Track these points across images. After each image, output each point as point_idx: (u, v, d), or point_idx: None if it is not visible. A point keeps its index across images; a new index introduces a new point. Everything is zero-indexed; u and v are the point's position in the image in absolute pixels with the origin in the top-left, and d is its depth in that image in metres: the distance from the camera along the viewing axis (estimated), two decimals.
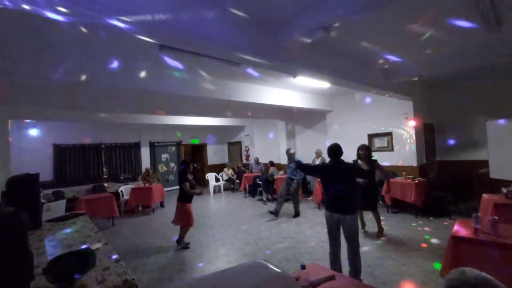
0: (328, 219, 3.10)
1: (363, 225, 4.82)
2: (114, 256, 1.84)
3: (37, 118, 6.78)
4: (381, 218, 5.55)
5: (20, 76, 3.43)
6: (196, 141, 12.01)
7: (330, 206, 3.08)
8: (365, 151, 4.44)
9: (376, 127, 7.00)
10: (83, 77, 3.69)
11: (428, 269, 3.30)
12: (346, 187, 3.00)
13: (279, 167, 9.07)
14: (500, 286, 0.83)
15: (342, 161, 3.19)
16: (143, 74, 4.29)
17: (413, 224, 5.11)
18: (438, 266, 3.22)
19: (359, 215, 4.49)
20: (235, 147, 12.54)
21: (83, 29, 2.85)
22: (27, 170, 3.06)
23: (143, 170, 9.11)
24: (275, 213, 6.13)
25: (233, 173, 10.58)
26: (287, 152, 5.65)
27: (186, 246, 4.56)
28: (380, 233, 4.56)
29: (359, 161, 4.47)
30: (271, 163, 8.70)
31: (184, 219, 4.52)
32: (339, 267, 3.05)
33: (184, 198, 4.52)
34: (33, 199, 2.63)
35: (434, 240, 4.23)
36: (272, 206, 7.45)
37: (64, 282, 1.42)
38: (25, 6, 1.85)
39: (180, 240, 4.60)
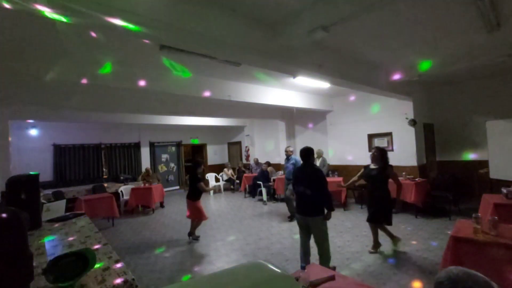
0: (298, 221, 3.33)
1: (378, 245, 3.94)
2: (114, 257, 1.84)
3: (37, 118, 6.78)
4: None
5: (20, 76, 3.43)
6: (196, 141, 12.01)
7: (299, 209, 3.24)
8: (375, 154, 3.83)
9: (376, 127, 7.00)
10: (83, 78, 3.70)
11: (428, 269, 3.30)
12: (313, 190, 3.12)
13: (279, 167, 9.07)
14: (480, 278, 0.85)
15: (312, 165, 3.31)
16: (143, 74, 4.29)
17: (413, 224, 5.11)
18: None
19: (372, 231, 3.94)
20: (235, 147, 12.54)
21: (83, 30, 2.85)
22: (27, 170, 3.07)
23: (143, 170, 9.11)
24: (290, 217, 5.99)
25: (233, 173, 10.58)
26: (286, 150, 5.69)
27: (196, 238, 4.92)
28: (395, 243, 3.91)
29: (372, 165, 3.88)
30: (268, 164, 8.71)
31: (195, 215, 4.88)
32: (308, 261, 3.24)
33: (194, 196, 4.84)
34: (33, 199, 2.62)
35: (434, 240, 4.22)
36: (271, 206, 7.46)
37: (64, 282, 1.42)
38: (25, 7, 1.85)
39: (191, 232, 4.97)
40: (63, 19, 2.01)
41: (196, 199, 4.84)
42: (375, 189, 3.83)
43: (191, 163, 5.08)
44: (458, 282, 0.85)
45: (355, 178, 4.12)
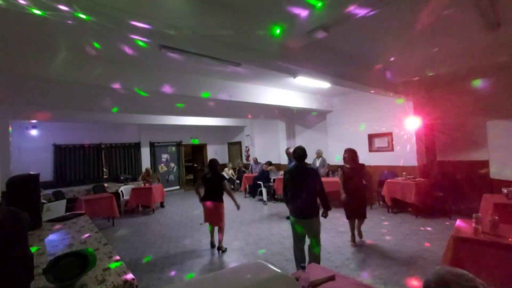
0: (292, 224, 3.24)
1: (354, 237, 4.31)
2: (114, 256, 1.84)
3: (37, 118, 6.78)
4: (382, 218, 5.54)
5: (20, 76, 3.43)
6: (196, 141, 12.01)
7: (294, 212, 3.17)
8: (348, 154, 4.23)
9: (376, 127, 7.00)
10: (83, 78, 3.70)
11: (428, 270, 3.30)
12: (308, 190, 3.07)
13: (279, 167, 9.07)
14: (464, 277, 0.85)
15: (305, 165, 3.25)
16: (142, 74, 4.29)
17: (413, 224, 5.10)
18: None
19: (350, 226, 4.31)
20: (235, 147, 12.55)
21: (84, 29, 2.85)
22: (27, 170, 3.07)
23: (143, 170, 9.11)
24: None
25: (233, 173, 10.58)
26: (287, 151, 5.69)
27: (224, 250, 4.28)
28: (360, 236, 4.38)
29: (347, 165, 4.24)
30: (269, 163, 8.71)
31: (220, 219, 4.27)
32: (303, 261, 3.20)
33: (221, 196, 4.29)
34: (33, 199, 2.62)
35: (434, 241, 4.22)
36: (271, 206, 7.46)
37: (64, 282, 1.42)
38: (24, 4, 1.85)
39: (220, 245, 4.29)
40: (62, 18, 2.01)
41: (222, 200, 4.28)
42: (359, 186, 4.16)
43: (209, 161, 4.42)
44: (444, 284, 0.86)
45: (340, 182, 4.24)
